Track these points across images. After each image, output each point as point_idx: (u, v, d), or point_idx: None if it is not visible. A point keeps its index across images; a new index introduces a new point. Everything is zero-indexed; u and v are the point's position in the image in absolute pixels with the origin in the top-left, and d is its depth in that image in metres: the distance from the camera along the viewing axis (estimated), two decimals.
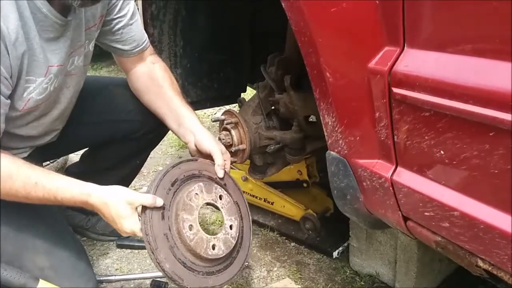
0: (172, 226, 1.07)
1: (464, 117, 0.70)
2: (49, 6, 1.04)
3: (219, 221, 1.79)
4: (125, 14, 1.30)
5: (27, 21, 1.02)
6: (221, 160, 1.23)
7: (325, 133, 0.99)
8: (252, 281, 1.54)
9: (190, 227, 1.07)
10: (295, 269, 1.59)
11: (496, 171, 0.68)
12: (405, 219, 0.91)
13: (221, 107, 2.92)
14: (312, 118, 1.51)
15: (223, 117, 1.50)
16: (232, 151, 1.44)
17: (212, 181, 1.21)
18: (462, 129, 0.71)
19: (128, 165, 1.64)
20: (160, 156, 2.62)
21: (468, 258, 0.81)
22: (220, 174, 1.22)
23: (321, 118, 0.97)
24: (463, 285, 1.40)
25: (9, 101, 1.06)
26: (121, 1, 1.28)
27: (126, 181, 1.64)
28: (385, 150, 0.90)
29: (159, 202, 1.06)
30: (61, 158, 2.11)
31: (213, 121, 1.73)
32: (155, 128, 1.49)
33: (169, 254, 1.04)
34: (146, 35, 1.39)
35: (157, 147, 1.73)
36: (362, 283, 1.49)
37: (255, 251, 1.69)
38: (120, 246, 1.74)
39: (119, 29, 1.31)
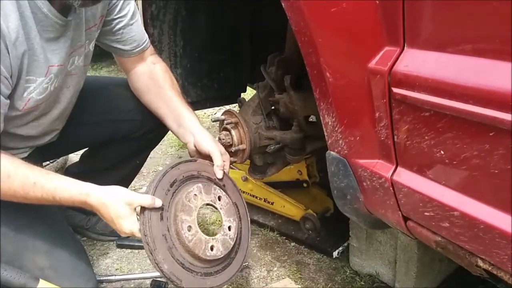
0: (170, 227, 1.07)
1: (464, 117, 0.70)
2: (49, 6, 1.04)
3: (219, 221, 1.79)
4: (125, 14, 1.30)
5: (28, 21, 1.02)
6: (220, 161, 1.23)
7: (325, 133, 0.99)
8: (252, 281, 1.54)
9: (189, 228, 1.07)
10: (295, 269, 1.59)
11: (496, 171, 0.68)
12: (405, 219, 0.91)
13: (221, 107, 2.92)
14: (312, 118, 1.51)
15: (223, 117, 1.50)
16: (232, 151, 1.44)
17: (211, 182, 1.21)
18: (462, 129, 0.71)
19: (128, 165, 1.64)
20: (160, 156, 2.62)
21: (468, 258, 0.81)
22: (219, 175, 1.22)
23: (321, 118, 0.97)
24: (463, 285, 1.40)
25: (8, 101, 1.06)
26: (122, 1, 1.28)
27: (126, 181, 1.64)
28: (385, 150, 0.90)
29: (158, 202, 1.06)
30: (61, 158, 2.11)
31: (213, 121, 1.73)
32: (155, 128, 1.49)
33: (168, 255, 1.04)
34: (146, 35, 1.39)
35: (157, 147, 1.73)
36: (362, 283, 1.49)
37: (255, 251, 1.69)
38: (120, 246, 1.74)
39: (119, 29, 1.31)
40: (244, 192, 1.89)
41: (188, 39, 1.80)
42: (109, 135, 1.51)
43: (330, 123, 0.94)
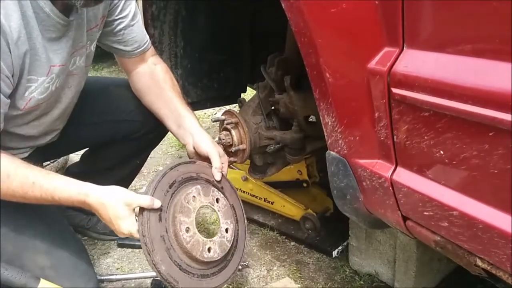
0: (169, 228, 1.08)
1: (463, 117, 0.70)
2: (51, 6, 1.04)
3: (219, 221, 1.79)
4: (126, 15, 1.30)
5: (30, 21, 1.02)
6: (219, 163, 1.23)
7: (325, 133, 0.99)
8: (252, 280, 1.54)
9: (187, 229, 1.08)
10: (294, 268, 1.59)
11: (496, 171, 0.68)
12: (405, 218, 0.91)
13: (221, 107, 2.92)
14: (312, 118, 1.51)
15: (223, 117, 1.50)
16: (232, 151, 1.45)
17: (210, 184, 1.21)
18: (462, 129, 0.72)
19: (128, 165, 1.64)
20: (160, 156, 2.62)
21: (467, 258, 0.81)
22: (217, 177, 1.23)
23: (321, 118, 0.97)
24: (462, 285, 1.40)
25: (9, 100, 1.07)
26: (123, 2, 1.28)
27: (126, 181, 1.64)
28: (385, 150, 0.90)
29: (157, 203, 1.06)
30: (62, 158, 2.11)
31: (213, 121, 1.73)
32: (155, 128, 1.50)
33: (165, 256, 1.05)
34: (147, 36, 1.40)
35: (157, 147, 1.73)
36: (362, 282, 1.50)
37: (255, 250, 1.69)
38: (121, 246, 1.74)
39: (120, 30, 1.31)
40: (244, 192, 1.89)
41: (188, 39, 1.80)
42: (110, 136, 1.51)
43: (330, 123, 0.94)
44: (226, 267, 1.18)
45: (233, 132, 1.45)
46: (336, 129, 0.94)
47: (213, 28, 1.83)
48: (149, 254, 1.03)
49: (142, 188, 2.19)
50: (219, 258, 1.13)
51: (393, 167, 0.89)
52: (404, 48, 0.81)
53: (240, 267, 1.36)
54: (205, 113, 3.25)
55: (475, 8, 0.68)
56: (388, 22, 0.82)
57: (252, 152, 1.48)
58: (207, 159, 1.25)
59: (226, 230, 1.17)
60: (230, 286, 1.48)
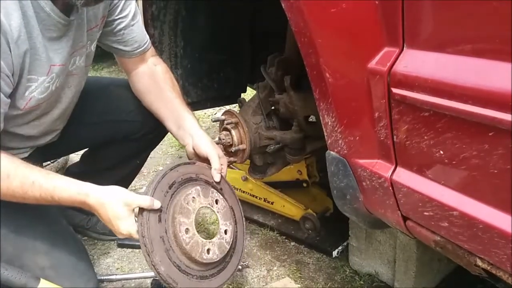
0: (168, 229, 1.08)
1: (463, 117, 0.70)
2: (52, 5, 1.04)
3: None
4: (126, 15, 1.30)
5: (30, 20, 1.02)
6: (218, 164, 1.23)
7: (325, 133, 0.99)
8: (252, 280, 1.54)
9: (187, 230, 1.08)
10: (294, 268, 1.59)
11: (495, 171, 0.69)
12: (405, 218, 0.91)
13: (221, 107, 2.92)
14: (312, 118, 1.51)
15: (223, 117, 1.50)
16: (232, 151, 1.45)
17: (209, 185, 1.21)
18: (462, 129, 0.72)
19: (128, 165, 1.64)
20: (161, 156, 2.62)
21: (467, 258, 0.81)
22: (217, 178, 1.23)
23: (320, 118, 0.97)
24: (462, 285, 1.41)
25: (9, 100, 1.06)
26: (123, 2, 1.28)
27: (126, 181, 1.64)
28: (385, 150, 0.90)
29: (157, 204, 1.06)
30: (62, 158, 2.11)
31: (213, 121, 1.73)
32: (155, 129, 1.50)
33: (165, 257, 1.05)
34: (147, 37, 1.40)
35: (157, 147, 1.73)
36: (362, 282, 1.50)
37: (255, 250, 1.69)
38: (121, 246, 1.73)
39: (120, 29, 1.31)
40: (244, 192, 1.89)
41: (188, 39, 1.80)
42: (110, 136, 1.51)
43: (329, 123, 0.94)
44: (225, 268, 1.18)
45: (233, 132, 1.45)
46: (336, 129, 0.94)
47: (213, 28, 1.83)
48: (148, 255, 1.03)
49: (142, 188, 2.19)
50: (218, 259, 1.13)
51: (393, 167, 0.89)
52: (404, 48, 0.81)
53: (240, 267, 1.36)
54: (205, 113, 3.25)
55: (475, 8, 0.68)
56: (388, 22, 0.82)
57: (252, 152, 1.48)
58: (206, 160, 1.25)
59: (225, 232, 1.17)
60: (230, 286, 1.48)
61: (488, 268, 0.78)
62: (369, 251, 1.48)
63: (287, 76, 1.37)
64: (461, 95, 0.69)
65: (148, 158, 1.72)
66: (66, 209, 1.65)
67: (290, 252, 1.69)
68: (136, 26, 1.34)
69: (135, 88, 1.43)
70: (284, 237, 1.78)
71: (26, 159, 1.11)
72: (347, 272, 1.55)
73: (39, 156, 1.37)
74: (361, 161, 0.95)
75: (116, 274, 1.55)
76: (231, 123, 1.45)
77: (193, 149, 1.28)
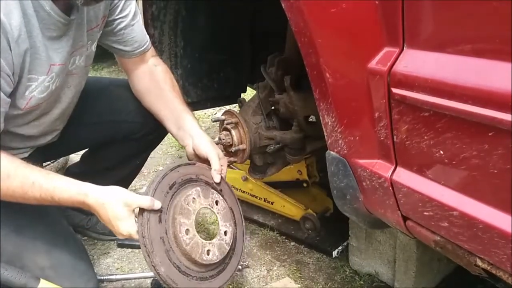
0: (169, 229, 1.08)
1: (463, 117, 0.70)
2: (52, 4, 1.04)
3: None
4: (126, 15, 1.30)
5: (30, 19, 1.02)
6: (218, 165, 1.23)
7: (325, 133, 0.99)
8: (252, 280, 1.54)
9: (187, 231, 1.08)
10: (294, 268, 1.59)
11: (495, 171, 0.69)
12: (405, 218, 0.91)
13: (221, 107, 2.92)
14: (312, 118, 1.51)
15: (223, 117, 1.50)
16: (232, 151, 1.45)
17: (209, 186, 1.21)
18: (461, 129, 0.72)
19: (128, 166, 1.64)
20: (161, 156, 2.62)
21: (467, 258, 0.81)
22: (217, 179, 1.23)
23: (320, 118, 0.97)
24: (462, 285, 1.41)
25: (9, 99, 1.06)
26: (123, 2, 1.28)
27: (126, 181, 1.64)
28: (385, 150, 0.90)
29: (157, 204, 1.06)
30: (62, 158, 2.11)
31: (213, 121, 1.73)
32: (155, 129, 1.49)
33: (165, 257, 1.05)
34: (147, 37, 1.39)
35: (157, 147, 1.73)
36: (362, 282, 1.50)
37: (255, 251, 1.69)
38: (121, 246, 1.72)
39: (120, 29, 1.31)
40: (244, 192, 1.89)
41: (188, 39, 1.80)
42: (110, 136, 1.51)
43: (329, 123, 0.94)
44: (225, 270, 1.18)
45: (233, 132, 1.45)
46: (336, 129, 0.94)
47: (213, 28, 1.83)
48: (148, 256, 1.03)
49: (142, 188, 2.19)
50: (218, 260, 1.13)
51: (393, 167, 0.89)
52: (404, 48, 0.81)
53: (240, 267, 1.36)
54: (205, 113, 3.25)
55: (475, 8, 0.68)
56: (388, 22, 0.82)
57: (252, 152, 1.48)
58: (206, 161, 1.25)
59: (225, 233, 1.17)
60: (230, 286, 1.48)
61: (488, 268, 0.78)
62: (369, 251, 1.48)
63: (287, 76, 1.37)
64: (461, 95, 0.69)
65: (148, 158, 1.72)
66: (66, 209, 1.65)
67: (290, 252, 1.69)
68: (136, 26, 1.34)
69: (135, 89, 1.43)
70: (284, 237, 1.78)
71: (26, 159, 1.11)
72: (347, 272, 1.55)
73: (39, 156, 1.37)
74: (361, 161, 0.95)
75: (116, 274, 1.55)
76: (231, 123, 1.45)
77: (193, 150, 1.28)
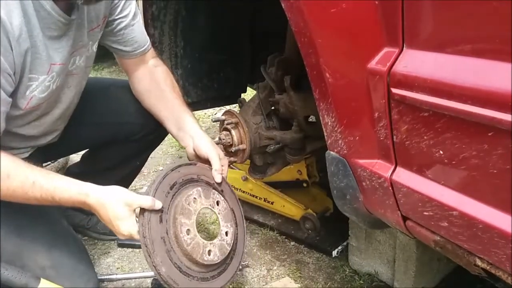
0: (169, 229, 1.08)
1: (462, 117, 0.70)
2: (52, 3, 1.04)
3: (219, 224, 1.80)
4: (126, 15, 1.30)
5: (31, 18, 1.02)
6: (219, 165, 1.23)
7: (325, 133, 0.99)
8: (252, 279, 1.54)
9: (188, 231, 1.08)
10: (294, 268, 1.59)
11: (495, 171, 0.69)
12: (404, 218, 0.91)
13: (221, 107, 2.92)
14: (312, 118, 1.52)
15: (223, 117, 1.50)
16: (232, 151, 1.45)
17: (210, 186, 1.21)
18: (461, 129, 0.72)
19: (128, 166, 1.64)
20: (161, 156, 2.62)
21: (466, 257, 0.81)
22: (218, 179, 1.23)
23: (320, 118, 0.97)
24: (461, 284, 1.41)
25: (10, 99, 1.06)
26: (123, 2, 1.28)
27: (126, 181, 1.64)
28: (385, 150, 0.90)
29: (158, 204, 1.06)
30: (62, 158, 2.11)
31: (213, 121, 1.73)
32: (155, 130, 1.50)
33: (166, 257, 1.05)
34: (148, 38, 1.40)
35: (157, 147, 1.73)
36: (361, 282, 1.50)
37: (255, 250, 1.70)
38: (121, 245, 1.74)
39: (120, 29, 1.31)
40: (244, 192, 1.89)
41: (189, 39, 1.80)
42: (110, 136, 1.51)
43: (329, 123, 0.94)
44: (225, 270, 1.18)
45: (233, 132, 1.45)
46: (336, 129, 0.94)
47: (213, 28, 1.83)
48: (149, 256, 1.03)
49: (142, 188, 2.19)
50: (219, 261, 1.13)
51: (392, 167, 0.89)
52: (404, 48, 0.81)
53: (240, 267, 1.36)
54: (205, 113, 3.25)
55: (475, 8, 0.68)
56: (388, 22, 0.82)
57: (252, 152, 1.49)
58: (207, 162, 1.25)
59: (226, 233, 1.17)
60: (230, 286, 1.48)
61: (488, 268, 0.78)
62: (368, 251, 1.48)
63: (287, 76, 1.37)
64: (461, 95, 0.69)
65: (149, 159, 1.73)
66: (66, 209, 1.65)
67: (290, 251, 1.69)
68: (136, 26, 1.34)
69: (135, 90, 1.43)
70: (284, 237, 1.78)
71: (27, 159, 1.11)
72: (346, 272, 1.55)
73: (40, 156, 1.37)
74: (361, 161, 0.95)
75: (116, 274, 1.55)
76: (231, 123, 1.45)
77: (194, 151, 1.28)
